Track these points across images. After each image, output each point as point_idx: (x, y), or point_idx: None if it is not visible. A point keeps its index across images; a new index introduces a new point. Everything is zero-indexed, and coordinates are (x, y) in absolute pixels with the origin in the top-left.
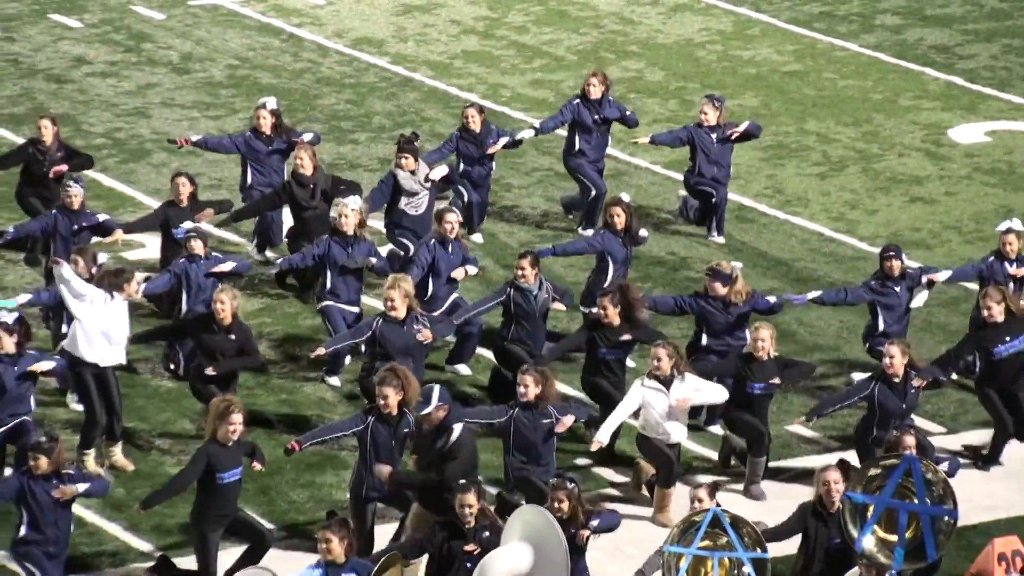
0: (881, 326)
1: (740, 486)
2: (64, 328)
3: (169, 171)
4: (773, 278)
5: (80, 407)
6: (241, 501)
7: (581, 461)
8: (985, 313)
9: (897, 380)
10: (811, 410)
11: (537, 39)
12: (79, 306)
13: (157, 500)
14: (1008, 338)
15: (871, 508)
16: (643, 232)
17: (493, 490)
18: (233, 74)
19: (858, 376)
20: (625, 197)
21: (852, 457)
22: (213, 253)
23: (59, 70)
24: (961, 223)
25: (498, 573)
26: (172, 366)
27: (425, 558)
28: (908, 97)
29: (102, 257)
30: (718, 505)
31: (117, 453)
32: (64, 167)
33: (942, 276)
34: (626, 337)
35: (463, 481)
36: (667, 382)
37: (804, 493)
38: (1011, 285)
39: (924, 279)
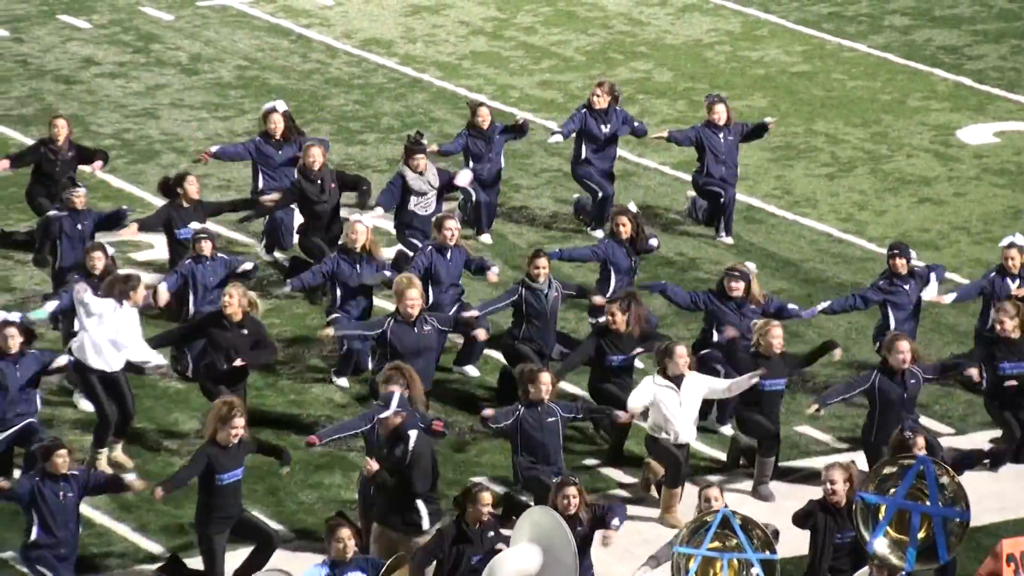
0: (892, 325)
1: (748, 486)
2: (75, 327)
3: (179, 171)
4: (782, 279)
5: (89, 407)
6: (250, 502)
7: (589, 461)
8: (999, 327)
9: (897, 371)
10: (818, 398)
11: (546, 40)
12: (90, 321)
13: (169, 486)
14: (1018, 359)
15: (883, 509)
16: (653, 241)
17: (501, 489)
18: (242, 75)
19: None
20: (632, 207)
21: (860, 458)
22: (219, 254)
23: (68, 71)
24: (970, 224)
25: (507, 574)
26: (180, 367)
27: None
28: (917, 98)
29: (109, 250)
30: (725, 505)
31: (118, 449)
32: (100, 162)
33: (948, 299)
34: (638, 350)
35: (479, 482)
36: (678, 381)
37: (812, 494)
38: None
39: (932, 275)
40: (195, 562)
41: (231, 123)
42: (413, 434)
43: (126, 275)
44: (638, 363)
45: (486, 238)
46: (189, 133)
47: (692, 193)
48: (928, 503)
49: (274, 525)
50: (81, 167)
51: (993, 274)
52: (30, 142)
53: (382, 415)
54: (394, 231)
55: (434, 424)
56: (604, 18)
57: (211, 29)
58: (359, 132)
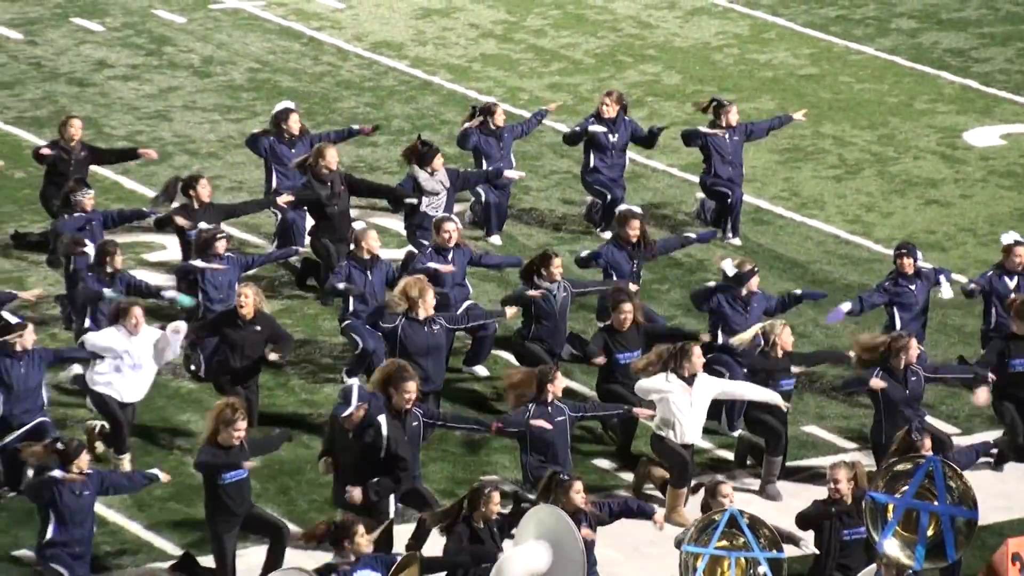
0: (898, 325)
1: (756, 485)
2: (87, 323)
3: (191, 173)
4: (789, 280)
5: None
6: (261, 501)
7: (599, 462)
8: (1015, 327)
9: (898, 369)
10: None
11: (555, 43)
12: (124, 362)
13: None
14: None
15: (892, 508)
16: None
17: (509, 488)
18: (254, 77)
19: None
20: (637, 210)
21: (866, 457)
22: (228, 254)
23: (81, 73)
24: (976, 225)
25: (516, 573)
26: (193, 367)
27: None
28: (923, 100)
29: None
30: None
31: (125, 461)
32: (153, 153)
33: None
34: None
35: (489, 480)
36: (691, 380)
37: (819, 492)
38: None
39: (940, 278)
40: (207, 560)
41: (243, 125)
42: (382, 419)
43: (124, 307)
44: None
45: (496, 239)
46: (201, 135)
47: (701, 195)
48: (936, 503)
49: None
50: (92, 167)
51: (990, 273)
52: (43, 143)
53: (345, 413)
54: (404, 232)
55: (493, 426)
56: (613, 21)
57: (223, 32)
58: (370, 135)
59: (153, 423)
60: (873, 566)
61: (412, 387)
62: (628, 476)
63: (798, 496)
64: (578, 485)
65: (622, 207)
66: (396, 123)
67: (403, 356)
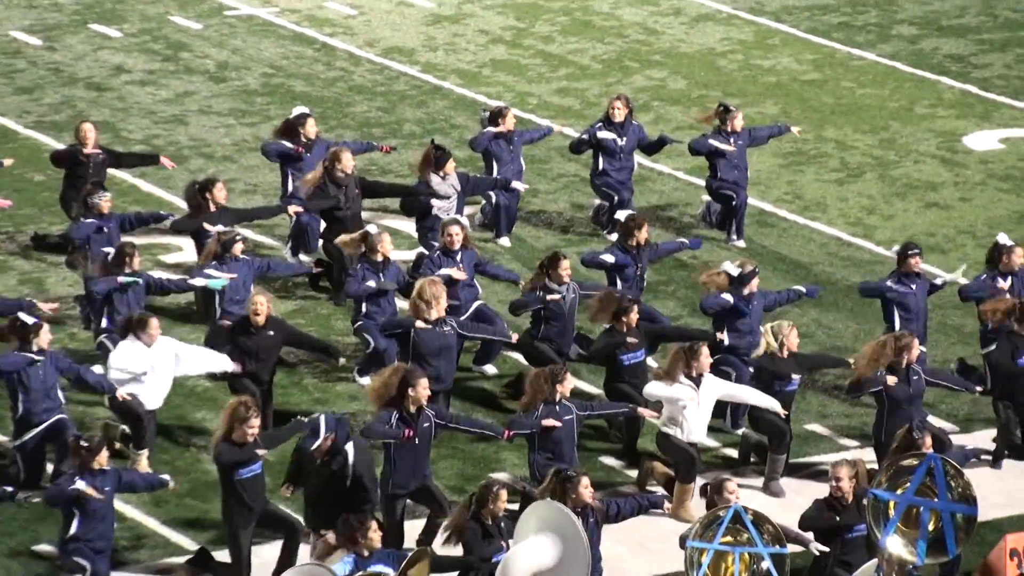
0: (897, 326)
1: (759, 482)
2: (104, 323)
3: (207, 177)
4: (792, 281)
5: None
6: (275, 497)
7: (605, 459)
8: (1017, 325)
9: (901, 368)
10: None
11: (563, 48)
12: (148, 375)
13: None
14: None
15: (894, 505)
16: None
17: (518, 486)
18: (268, 82)
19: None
20: (638, 216)
21: (868, 455)
22: (243, 256)
23: (99, 78)
24: (975, 228)
25: (523, 569)
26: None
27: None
28: (924, 105)
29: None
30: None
31: (143, 460)
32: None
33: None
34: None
35: (497, 479)
36: (698, 380)
37: (821, 490)
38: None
39: (939, 281)
40: (222, 555)
41: (257, 129)
42: (349, 448)
43: (139, 318)
44: (652, 363)
45: (505, 241)
46: (216, 139)
47: (707, 197)
48: (937, 499)
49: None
50: (110, 170)
51: (984, 276)
52: (62, 147)
53: (315, 445)
54: (416, 234)
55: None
56: (620, 27)
57: (238, 38)
58: (382, 138)
59: (170, 421)
60: (873, 561)
61: (425, 383)
62: (634, 473)
63: (801, 492)
64: (586, 480)
65: (627, 212)
66: (407, 127)
67: (415, 356)
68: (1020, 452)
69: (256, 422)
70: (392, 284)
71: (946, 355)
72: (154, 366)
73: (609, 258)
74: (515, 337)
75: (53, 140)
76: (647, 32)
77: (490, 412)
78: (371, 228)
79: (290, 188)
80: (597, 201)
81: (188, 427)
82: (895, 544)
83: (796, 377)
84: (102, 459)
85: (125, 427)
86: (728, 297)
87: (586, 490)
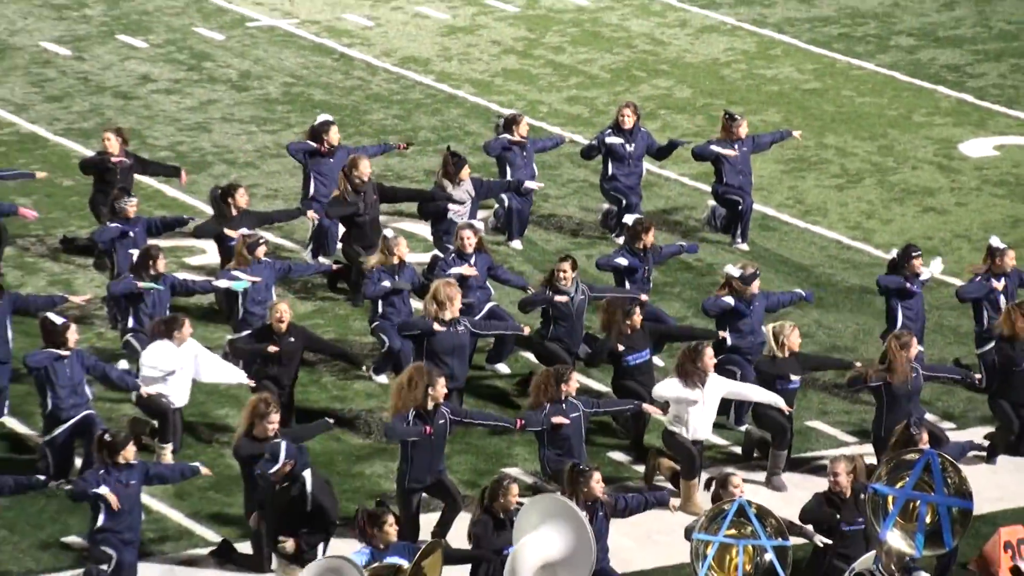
0: (899, 326)
1: (762, 477)
2: (130, 323)
3: (229, 182)
4: (794, 283)
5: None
6: None
7: (613, 455)
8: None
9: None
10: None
11: (573, 58)
12: (174, 375)
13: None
14: None
15: (892, 500)
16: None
17: (530, 480)
18: (288, 91)
19: None
20: (645, 220)
21: (867, 450)
22: (265, 258)
23: (126, 87)
24: (971, 232)
25: (530, 562)
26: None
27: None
28: (921, 113)
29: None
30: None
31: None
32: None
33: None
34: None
35: (508, 473)
36: (702, 380)
37: (821, 484)
38: (1001, 300)
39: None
40: (244, 547)
41: (278, 136)
42: (307, 475)
43: (170, 318)
44: (658, 361)
45: (517, 244)
46: (239, 145)
47: (712, 202)
48: (934, 494)
49: None
50: (137, 176)
51: (978, 279)
52: (90, 154)
53: (272, 470)
54: (431, 238)
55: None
56: (628, 38)
57: (260, 48)
58: (404, 149)
59: (193, 417)
60: (871, 553)
61: (442, 382)
62: (641, 468)
63: (802, 487)
64: (597, 475)
65: (635, 216)
66: (423, 134)
67: (430, 355)
68: (1016, 448)
69: (275, 418)
70: (406, 284)
71: (942, 355)
72: (182, 365)
73: (623, 261)
74: (526, 329)
75: (82, 147)
76: (654, 43)
77: (502, 409)
78: (387, 232)
79: (311, 192)
80: (606, 205)
81: (211, 423)
82: (894, 537)
83: (797, 376)
84: (128, 454)
85: (153, 423)
86: (728, 299)
87: (597, 484)
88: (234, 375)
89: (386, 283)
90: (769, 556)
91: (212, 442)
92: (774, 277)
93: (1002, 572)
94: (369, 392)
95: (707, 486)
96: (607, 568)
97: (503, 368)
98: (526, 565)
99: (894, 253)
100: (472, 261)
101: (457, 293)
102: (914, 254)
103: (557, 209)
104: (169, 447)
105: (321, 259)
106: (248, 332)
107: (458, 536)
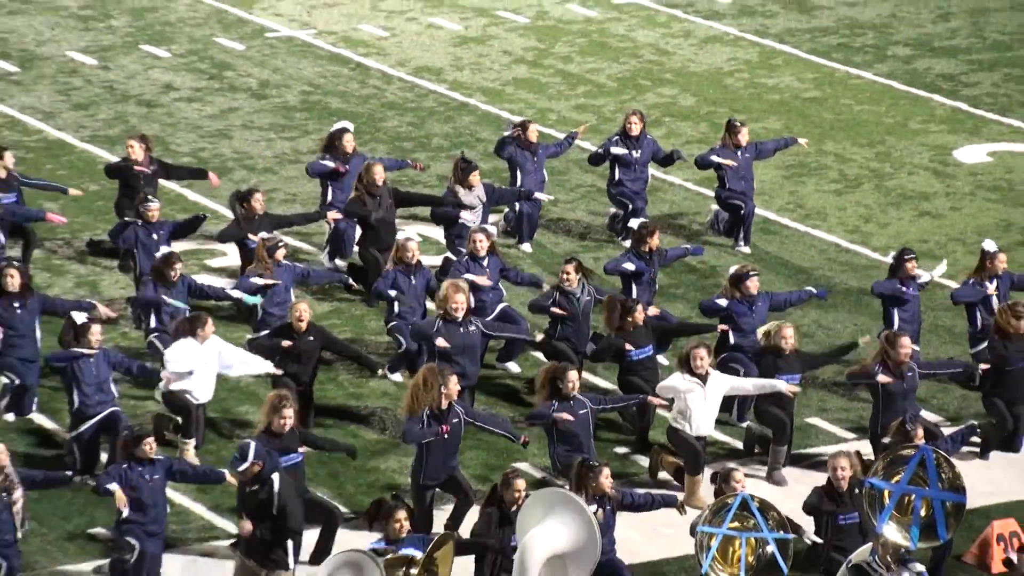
0: (895, 325)
1: (763, 472)
2: (153, 323)
3: (248, 187)
4: (794, 285)
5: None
6: (313, 484)
7: (620, 450)
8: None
9: (899, 365)
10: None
11: (581, 68)
12: (198, 372)
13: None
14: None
15: (888, 494)
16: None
17: (539, 475)
18: (306, 99)
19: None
20: (650, 224)
21: (864, 446)
22: (285, 262)
23: (149, 96)
24: (965, 235)
25: (539, 555)
26: None
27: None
28: (917, 121)
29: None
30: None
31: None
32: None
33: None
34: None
35: (515, 469)
36: (704, 378)
37: (821, 479)
38: (994, 301)
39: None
40: None
41: (296, 143)
42: (276, 478)
43: (193, 316)
44: (663, 360)
45: (527, 247)
46: (258, 152)
47: (715, 207)
48: (929, 488)
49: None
50: (161, 181)
51: (972, 282)
52: (115, 160)
53: (241, 468)
54: (444, 241)
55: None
56: (634, 48)
57: (279, 58)
58: (412, 151)
59: (215, 414)
60: (867, 546)
61: (455, 380)
62: (643, 460)
63: (802, 481)
64: (606, 471)
65: (640, 220)
66: (435, 141)
67: (442, 355)
68: (1008, 444)
69: (288, 412)
70: (407, 299)
71: (937, 354)
72: (205, 361)
73: (630, 266)
74: (539, 337)
75: (107, 153)
76: (659, 53)
77: (513, 407)
78: (402, 235)
79: (329, 197)
80: (613, 209)
81: (232, 419)
82: (890, 530)
83: (796, 374)
84: (147, 450)
85: (178, 418)
86: (721, 301)
87: (606, 480)
88: (260, 366)
89: (392, 292)
90: (771, 548)
91: (233, 437)
92: (775, 279)
93: (995, 564)
94: (384, 390)
95: (712, 480)
96: (615, 559)
97: (514, 367)
98: (535, 559)
99: (892, 257)
100: (485, 264)
101: (464, 290)
102: (907, 257)
103: (566, 213)
104: (192, 443)
105: (338, 262)
106: (267, 331)
107: (470, 530)
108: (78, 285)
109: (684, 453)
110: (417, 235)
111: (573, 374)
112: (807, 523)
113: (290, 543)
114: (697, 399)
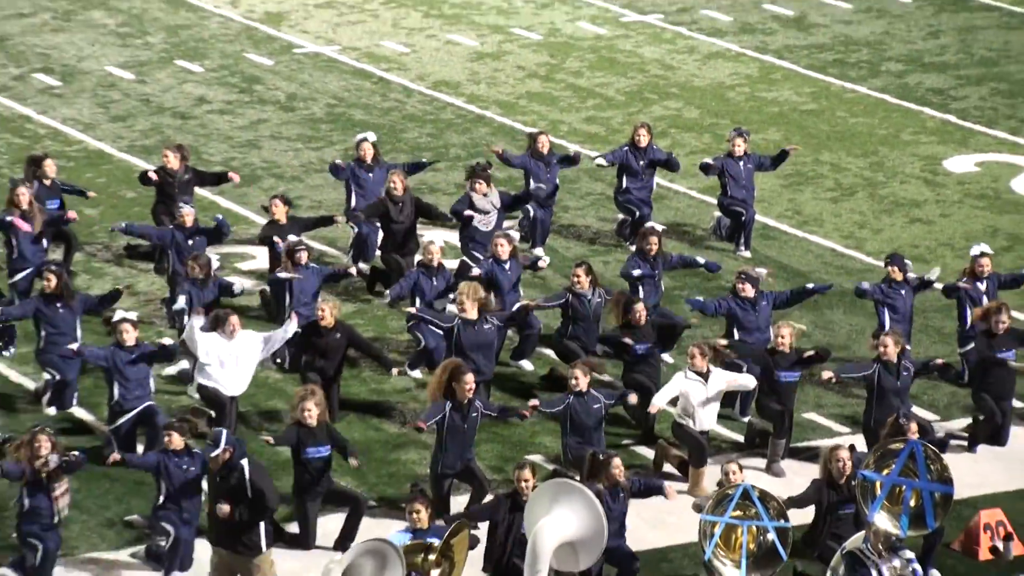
0: (887, 326)
1: (763, 464)
2: (186, 320)
3: (274, 194)
4: (792, 287)
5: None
6: (338, 475)
7: (627, 441)
8: (998, 325)
9: (892, 363)
10: (834, 370)
11: (591, 82)
12: (224, 367)
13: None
14: (1004, 348)
15: (880, 485)
16: (541, 262)
17: (550, 466)
18: (331, 111)
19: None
20: (658, 227)
21: (859, 440)
22: (311, 264)
23: (183, 108)
24: (954, 241)
25: (549, 544)
26: (279, 360)
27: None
28: (909, 132)
29: (215, 263)
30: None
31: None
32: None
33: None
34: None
35: (526, 459)
36: (704, 375)
37: (817, 472)
38: (985, 300)
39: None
40: (291, 526)
41: (322, 152)
42: (245, 463)
43: (216, 314)
44: (668, 358)
45: (539, 251)
46: (286, 161)
47: (718, 213)
48: (918, 479)
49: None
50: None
51: (964, 280)
52: (150, 168)
53: (212, 454)
54: (459, 244)
55: (520, 410)
56: (641, 64)
57: (305, 72)
58: (431, 160)
59: (245, 408)
60: (861, 534)
61: (470, 378)
62: (647, 452)
63: (800, 473)
64: (617, 461)
65: (646, 225)
66: (453, 151)
67: (458, 351)
68: (995, 438)
69: (309, 404)
70: (410, 311)
71: (928, 353)
72: (237, 357)
73: (637, 271)
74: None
75: (143, 162)
76: (665, 68)
77: (526, 401)
78: (425, 238)
79: (352, 203)
80: (621, 216)
81: (262, 413)
82: (881, 519)
83: (795, 371)
84: (177, 441)
85: (211, 412)
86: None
87: (616, 470)
88: (289, 328)
89: (391, 296)
90: (771, 536)
91: (262, 430)
92: (774, 282)
93: (982, 551)
94: (405, 386)
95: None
96: (624, 546)
97: (527, 364)
98: (545, 547)
99: (884, 260)
100: (507, 267)
101: (482, 291)
102: (886, 263)
103: (576, 219)
104: None
105: (361, 265)
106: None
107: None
108: (116, 287)
109: (689, 447)
110: (443, 240)
111: (580, 371)
112: (806, 514)
113: (262, 526)
114: (699, 397)
